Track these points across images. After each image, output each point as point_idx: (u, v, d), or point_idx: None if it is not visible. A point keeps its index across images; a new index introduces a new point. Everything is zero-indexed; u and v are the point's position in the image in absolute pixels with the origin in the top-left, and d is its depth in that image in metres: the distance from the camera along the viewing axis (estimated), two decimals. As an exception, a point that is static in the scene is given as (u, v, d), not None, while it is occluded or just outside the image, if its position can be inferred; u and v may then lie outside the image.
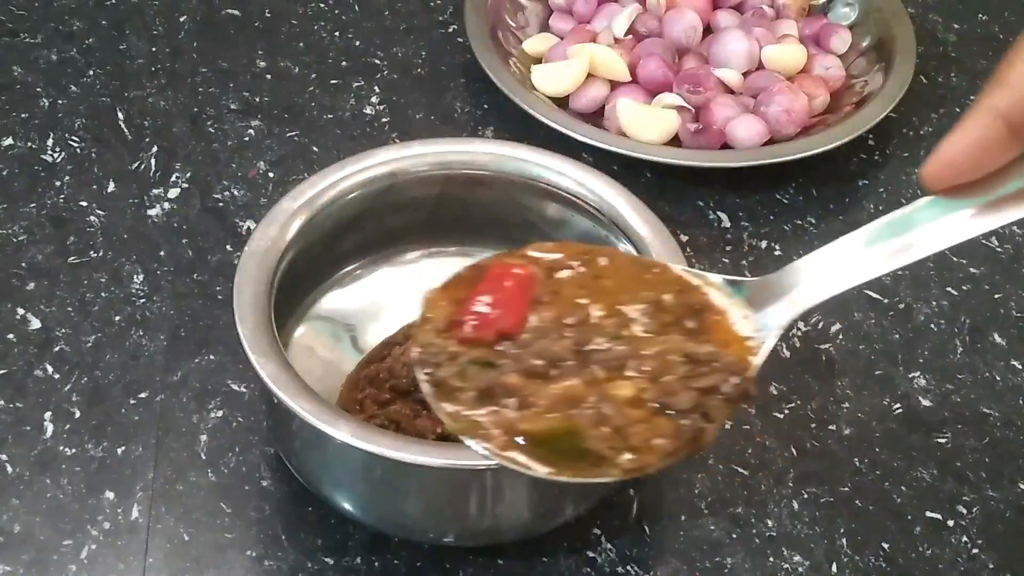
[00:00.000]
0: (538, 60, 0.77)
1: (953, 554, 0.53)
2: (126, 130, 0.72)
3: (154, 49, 0.78)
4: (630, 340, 0.40)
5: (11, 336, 0.60)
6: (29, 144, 0.71)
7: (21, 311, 0.61)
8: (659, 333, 0.40)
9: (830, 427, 0.58)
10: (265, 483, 0.54)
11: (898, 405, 0.59)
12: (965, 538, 0.54)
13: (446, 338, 0.40)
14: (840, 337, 0.62)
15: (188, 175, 0.69)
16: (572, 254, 0.43)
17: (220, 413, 0.57)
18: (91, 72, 0.76)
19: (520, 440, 0.38)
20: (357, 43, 0.80)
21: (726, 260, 0.66)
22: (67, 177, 0.69)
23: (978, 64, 0.81)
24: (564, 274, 0.43)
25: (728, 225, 0.69)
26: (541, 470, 0.38)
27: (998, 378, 0.61)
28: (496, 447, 0.38)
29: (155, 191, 0.68)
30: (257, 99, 0.75)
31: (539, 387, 0.39)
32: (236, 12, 0.82)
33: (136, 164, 0.70)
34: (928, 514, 0.55)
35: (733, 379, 0.39)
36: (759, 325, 0.41)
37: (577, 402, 0.38)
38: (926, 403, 0.60)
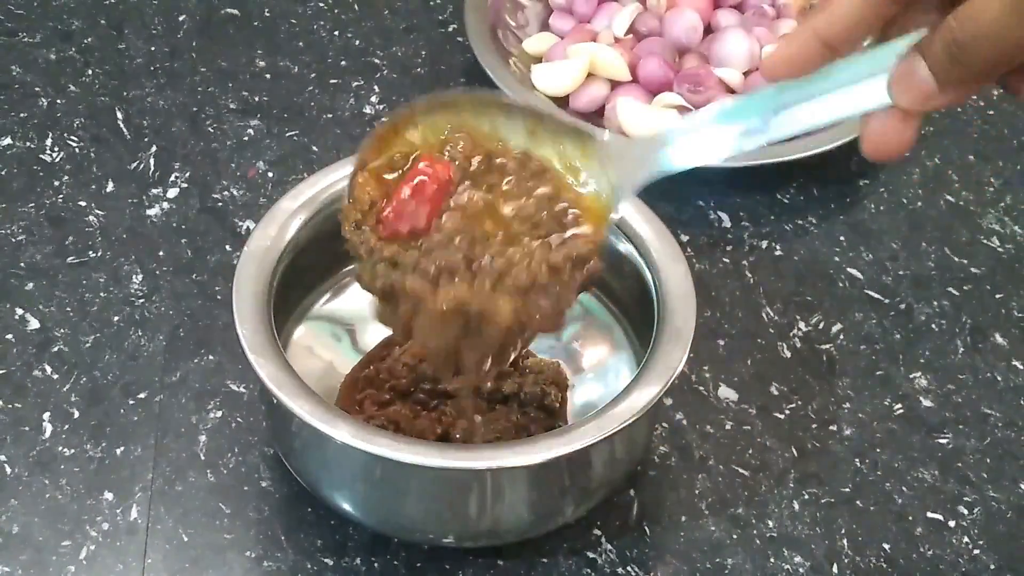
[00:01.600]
0: (538, 60, 0.76)
1: (954, 555, 0.53)
2: (125, 130, 0.72)
3: (153, 48, 0.78)
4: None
5: (10, 336, 0.60)
6: (28, 144, 0.71)
7: (20, 311, 0.61)
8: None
9: (831, 427, 0.58)
10: (264, 484, 0.54)
11: (899, 405, 0.59)
12: (966, 539, 0.54)
13: (372, 227, 0.44)
14: (841, 337, 0.62)
15: (187, 175, 0.69)
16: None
17: (219, 413, 0.57)
18: (90, 72, 0.76)
19: None
20: (357, 42, 0.80)
21: (727, 260, 0.66)
22: (66, 177, 0.69)
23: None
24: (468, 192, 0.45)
25: (729, 225, 0.68)
26: None
27: (999, 378, 0.61)
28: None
29: (154, 191, 0.68)
30: (256, 99, 0.75)
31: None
32: (235, 11, 0.82)
33: (135, 164, 0.70)
34: (929, 515, 0.55)
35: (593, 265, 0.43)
36: (613, 201, 0.44)
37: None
38: (927, 403, 0.59)
